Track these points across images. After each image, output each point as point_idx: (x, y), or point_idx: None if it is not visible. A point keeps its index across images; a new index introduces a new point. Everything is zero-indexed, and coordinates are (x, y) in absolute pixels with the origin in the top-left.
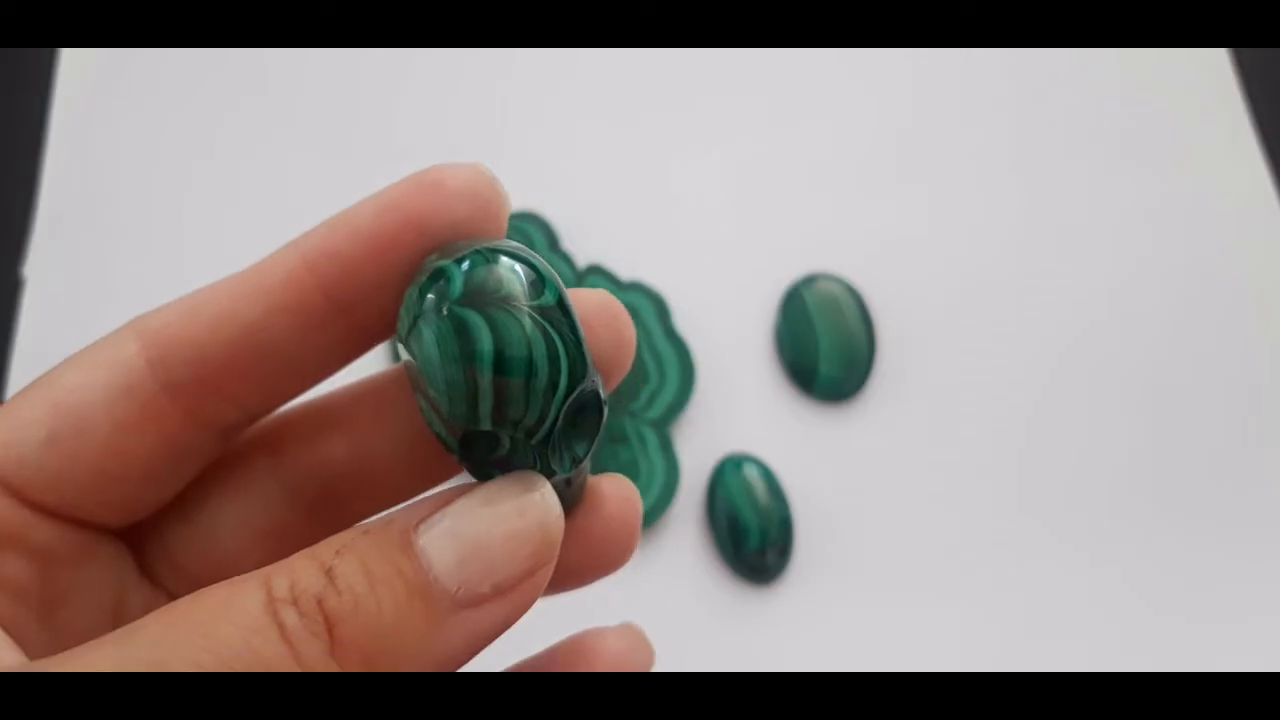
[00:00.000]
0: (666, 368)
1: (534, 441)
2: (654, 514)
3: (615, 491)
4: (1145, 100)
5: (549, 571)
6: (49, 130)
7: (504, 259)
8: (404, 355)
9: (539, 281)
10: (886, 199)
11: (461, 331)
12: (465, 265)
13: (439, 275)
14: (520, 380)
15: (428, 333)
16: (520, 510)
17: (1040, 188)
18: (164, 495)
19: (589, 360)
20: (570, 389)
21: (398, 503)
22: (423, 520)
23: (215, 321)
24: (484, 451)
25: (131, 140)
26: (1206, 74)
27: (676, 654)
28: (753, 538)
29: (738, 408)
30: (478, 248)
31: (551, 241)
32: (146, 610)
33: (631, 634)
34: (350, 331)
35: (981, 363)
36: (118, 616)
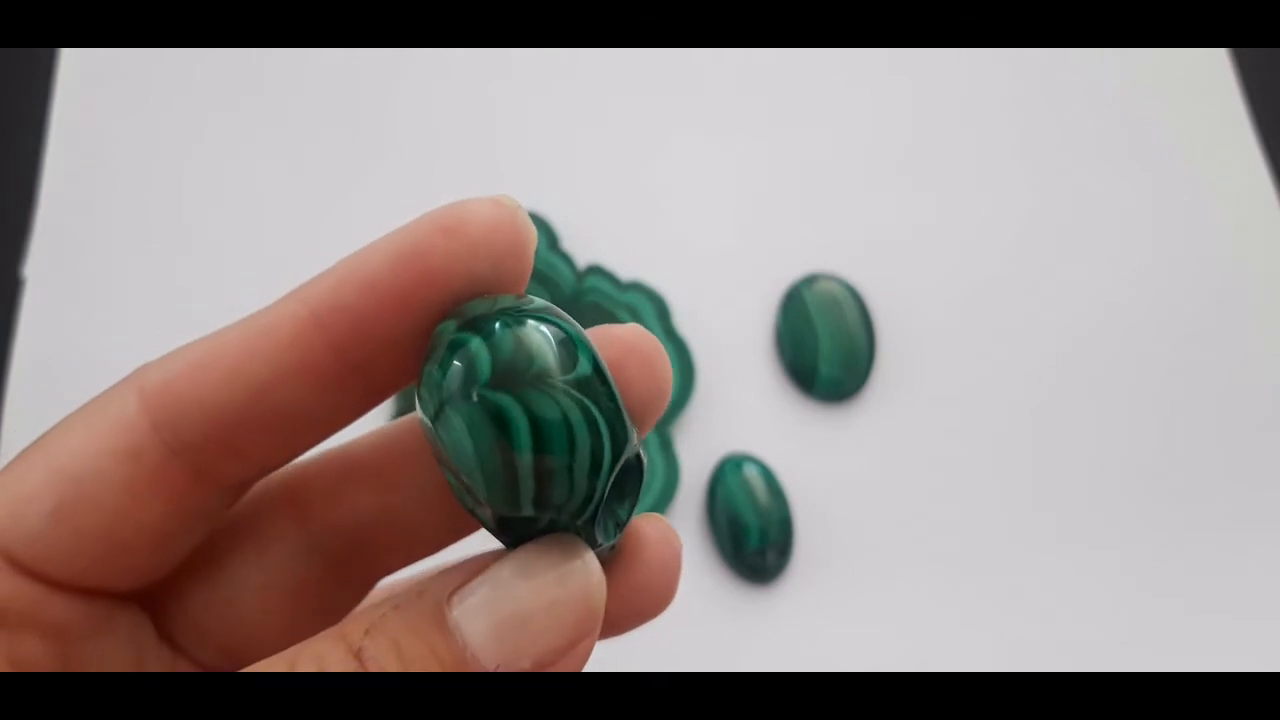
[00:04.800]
0: None
1: (579, 522)
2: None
3: (655, 535)
4: (1145, 100)
5: (592, 643)
6: (49, 130)
7: (530, 323)
8: (425, 425)
9: (570, 346)
10: (887, 199)
11: (496, 419)
12: (489, 337)
13: (461, 351)
14: (563, 466)
15: (457, 420)
16: (561, 579)
17: (1040, 187)
18: (178, 556)
19: (629, 424)
20: (613, 464)
21: (426, 554)
22: (456, 591)
23: (222, 380)
24: (521, 530)
25: (131, 140)
26: (1206, 74)
27: (677, 654)
28: (753, 537)
29: (738, 408)
30: (500, 310)
31: (551, 241)
32: None
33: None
34: (364, 388)
35: (981, 363)
36: None
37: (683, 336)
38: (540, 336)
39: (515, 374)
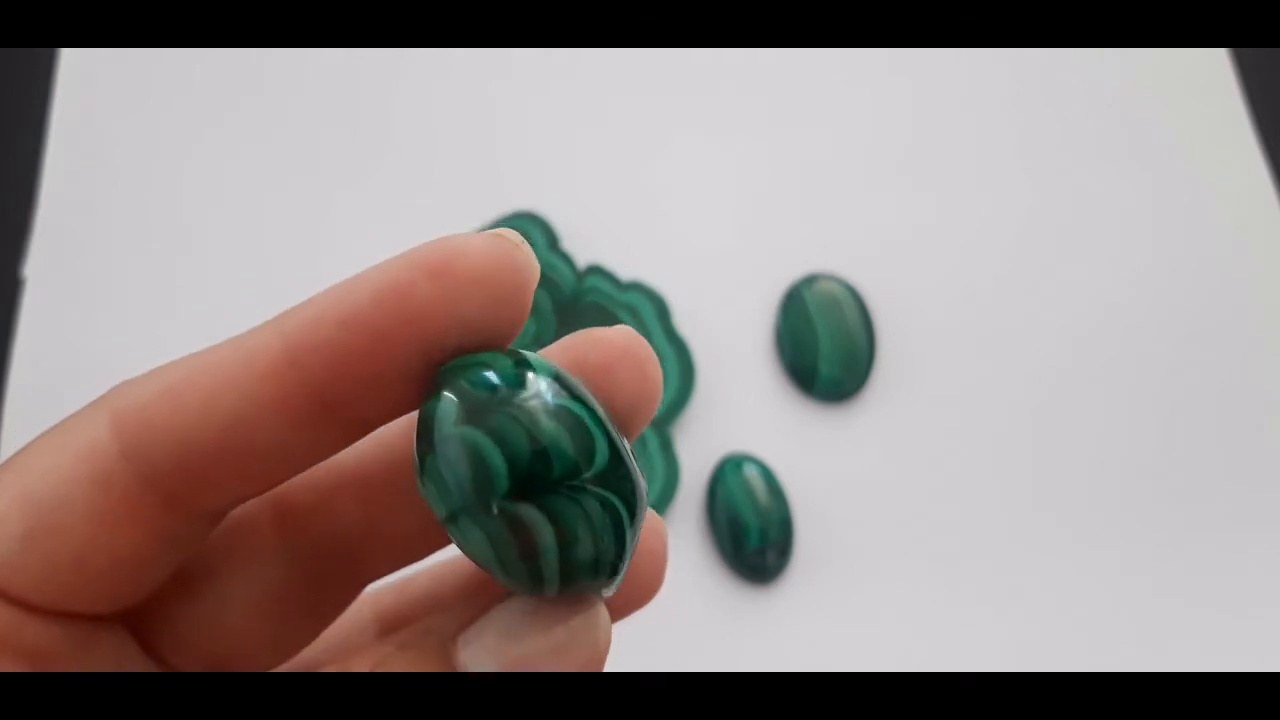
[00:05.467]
0: (666, 368)
1: (602, 589)
2: None
3: (644, 526)
4: (1145, 100)
5: None
6: (49, 130)
7: (540, 408)
8: (429, 505)
9: (585, 432)
10: (887, 199)
11: (519, 532)
12: (499, 436)
13: (470, 453)
14: (589, 560)
15: (476, 531)
16: (569, 625)
17: (1040, 187)
18: (155, 580)
19: (642, 490)
20: (633, 538)
21: (413, 561)
22: (462, 631)
23: (194, 411)
24: None
25: (131, 140)
26: (1206, 74)
27: (677, 654)
28: (753, 538)
29: (738, 408)
30: (502, 385)
31: (551, 241)
32: None
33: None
34: (343, 425)
35: (981, 362)
36: None
37: (683, 336)
38: (554, 427)
39: (535, 481)
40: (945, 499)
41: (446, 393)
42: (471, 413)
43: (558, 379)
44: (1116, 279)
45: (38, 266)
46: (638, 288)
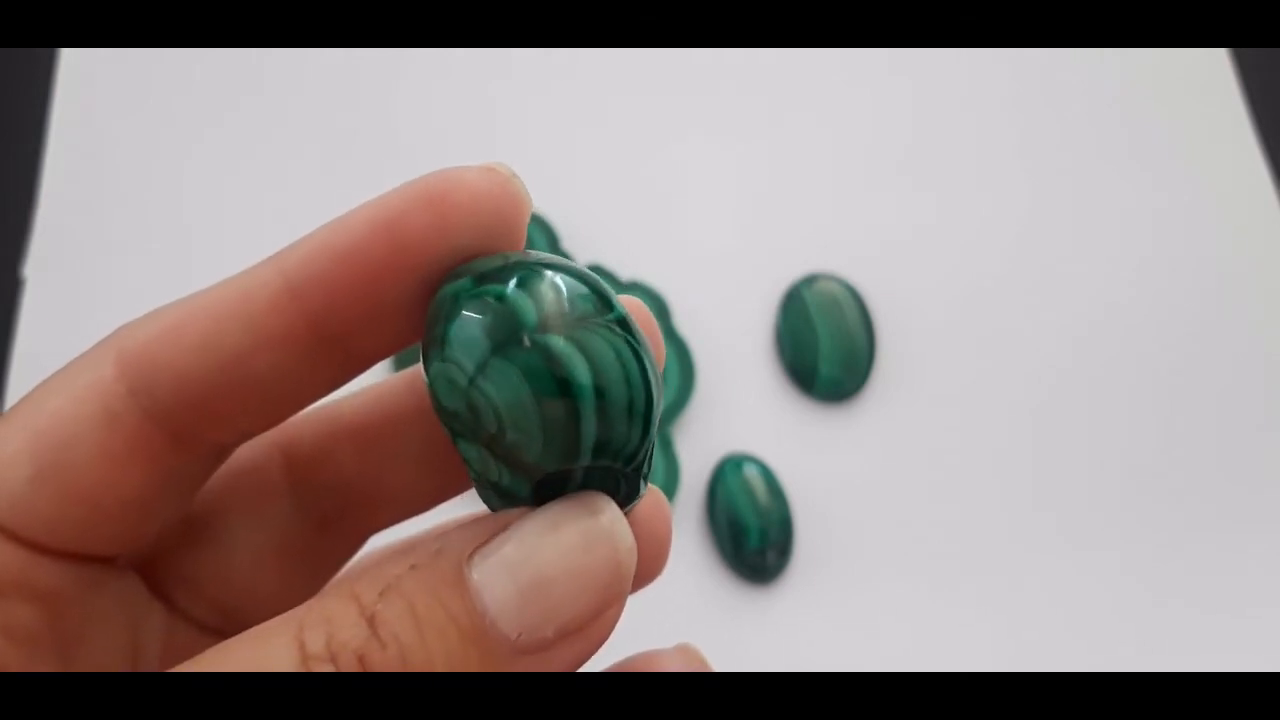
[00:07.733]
0: (666, 368)
1: (631, 468)
2: None
3: (648, 500)
4: (1145, 100)
5: (620, 609)
6: (49, 130)
7: (553, 273)
8: (453, 389)
9: (599, 289)
10: (887, 199)
11: (554, 362)
12: (522, 285)
13: (495, 301)
14: (623, 404)
15: (510, 371)
16: (588, 541)
17: (1040, 187)
18: (164, 519)
19: (660, 376)
20: (658, 403)
21: (416, 513)
22: (477, 550)
23: (197, 347)
24: (554, 492)
25: (131, 140)
26: (1206, 74)
27: None
28: (753, 538)
29: (738, 408)
30: (516, 263)
31: (551, 242)
32: (165, 638)
33: (691, 655)
34: (343, 358)
35: (981, 362)
36: (136, 647)
37: (683, 336)
38: (570, 282)
39: (561, 317)
40: (945, 499)
41: (460, 277)
42: (489, 277)
43: (565, 261)
44: (1116, 279)
45: (38, 266)
46: (638, 288)
